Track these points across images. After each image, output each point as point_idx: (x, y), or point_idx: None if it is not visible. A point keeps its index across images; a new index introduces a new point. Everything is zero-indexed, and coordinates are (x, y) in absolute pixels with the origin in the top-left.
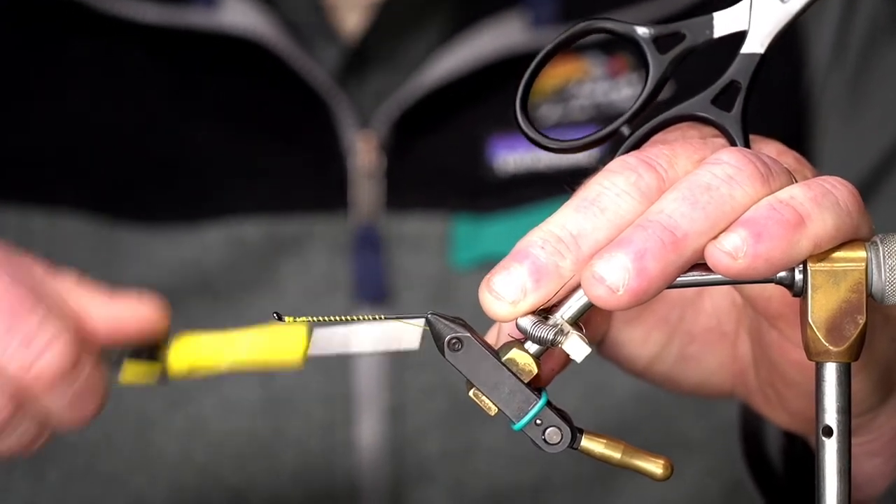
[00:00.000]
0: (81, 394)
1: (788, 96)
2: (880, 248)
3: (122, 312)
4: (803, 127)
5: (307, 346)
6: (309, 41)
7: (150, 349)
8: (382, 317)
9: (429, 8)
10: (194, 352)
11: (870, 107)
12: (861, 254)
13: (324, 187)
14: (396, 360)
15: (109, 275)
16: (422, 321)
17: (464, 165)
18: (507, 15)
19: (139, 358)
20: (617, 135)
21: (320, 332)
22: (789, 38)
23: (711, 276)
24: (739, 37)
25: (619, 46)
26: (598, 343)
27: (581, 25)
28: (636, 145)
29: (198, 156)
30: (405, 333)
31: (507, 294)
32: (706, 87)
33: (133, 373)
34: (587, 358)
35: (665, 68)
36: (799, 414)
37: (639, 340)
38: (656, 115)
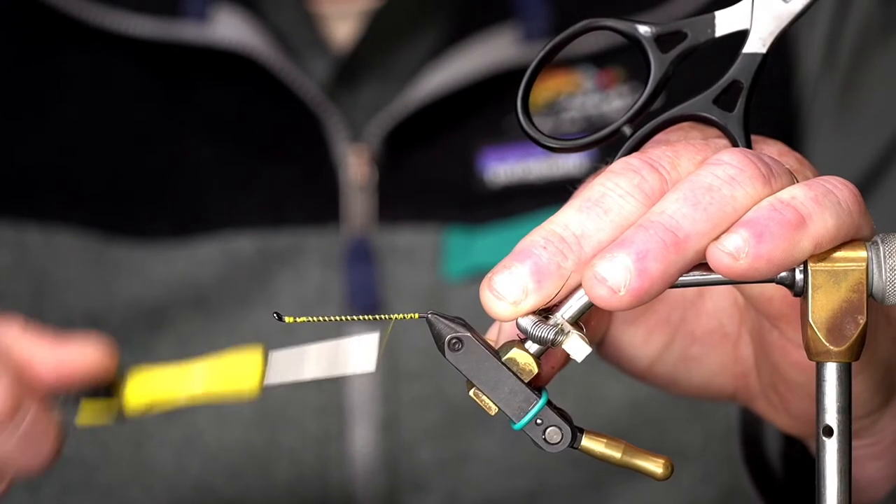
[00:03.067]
0: (30, 437)
1: (779, 101)
2: (881, 248)
3: (68, 356)
4: (794, 132)
5: (263, 374)
6: (299, 53)
7: (105, 388)
8: (381, 316)
9: (419, 20)
10: (150, 387)
11: (860, 112)
12: (862, 253)
13: (316, 200)
14: (389, 372)
15: (103, 290)
16: (375, 336)
17: (455, 177)
18: (498, 29)
19: (94, 397)
20: (617, 135)
21: (276, 357)
22: (781, 43)
23: (713, 276)
24: (741, 36)
25: (610, 59)
26: (598, 344)
27: (584, 23)
28: (637, 145)
29: (190, 170)
30: (358, 355)
31: (509, 294)
32: (705, 87)
33: (90, 413)
34: (580, 365)
35: (666, 68)
36: (801, 416)
37: (639, 341)
38: (657, 115)
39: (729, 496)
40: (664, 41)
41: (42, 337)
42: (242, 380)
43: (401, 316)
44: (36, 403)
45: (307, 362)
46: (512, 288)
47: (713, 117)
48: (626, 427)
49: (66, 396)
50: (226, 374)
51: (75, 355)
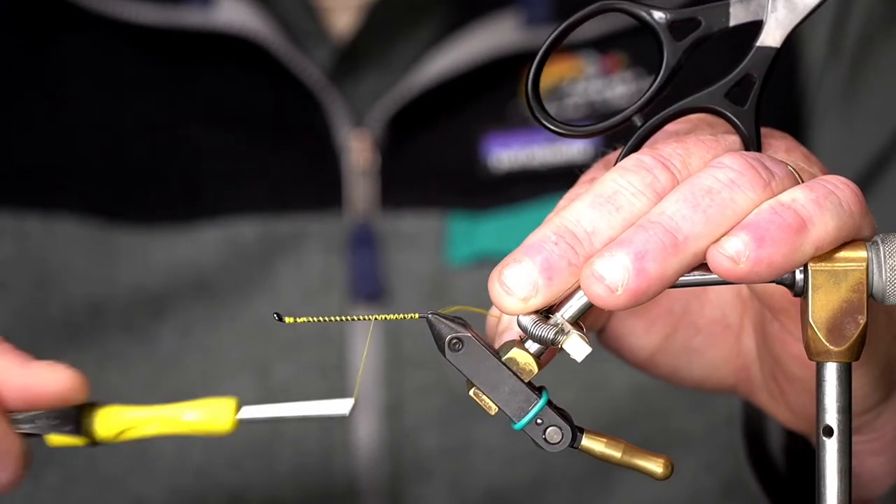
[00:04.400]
0: None
1: (783, 95)
2: (881, 248)
3: (36, 377)
4: (798, 122)
5: (235, 416)
6: (301, 40)
7: (72, 418)
8: (379, 316)
9: (421, 8)
10: (120, 421)
11: (864, 105)
12: (862, 254)
13: (319, 186)
14: (393, 359)
15: (105, 277)
16: (351, 401)
17: (458, 163)
18: (500, 14)
19: (62, 429)
20: (627, 123)
21: (248, 409)
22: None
23: (712, 276)
24: (754, 27)
25: (613, 44)
26: (599, 332)
27: (598, 4)
28: (647, 136)
29: (192, 156)
30: (335, 406)
31: (519, 290)
32: (708, 76)
33: (59, 440)
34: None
35: (679, 56)
36: (800, 411)
37: (641, 331)
38: (667, 105)
39: (731, 485)
40: (677, 28)
41: (12, 356)
42: (216, 419)
43: (401, 316)
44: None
45: (280, 413)
46: (522, 283)
47: (725, 111)
48: (628, 416)
49: (33, 425)
50: (199, 416)
51: (45, 377)
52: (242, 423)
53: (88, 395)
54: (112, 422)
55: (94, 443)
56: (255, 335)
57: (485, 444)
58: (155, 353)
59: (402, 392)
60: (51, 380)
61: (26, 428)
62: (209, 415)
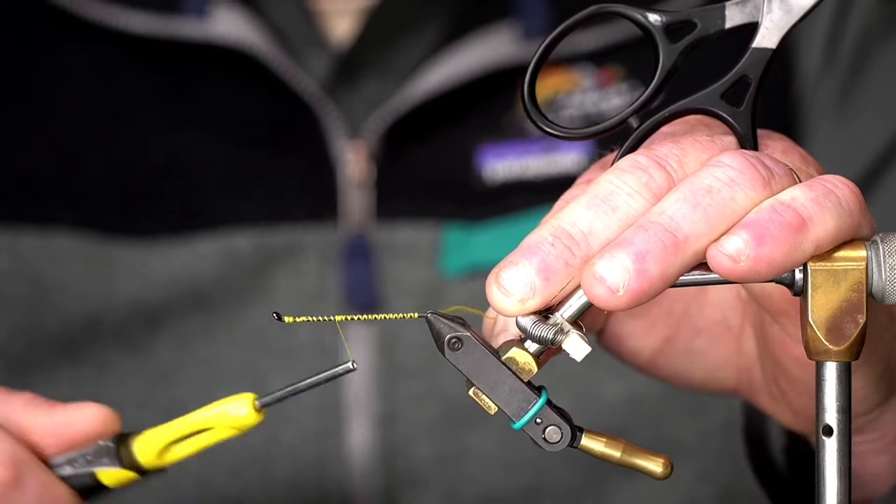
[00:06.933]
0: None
1: (778, 100)
2: (881, 248)
3: (66, 419)
4: (793, 131)
5: (255, 402)
6: (298, 50)
7: (109, 447)
8: (379, 316)
9: (418, 17)
10: (156, 440)
11: (861, 111)
12: (861, 253)
13: (314, 197)
14: (387, 369)
15: (101, 291)
16: (348, 366)
17: (453, 174)
18: (497, 27)
19: (100, 463)
20: (623, 126)
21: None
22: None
23: (712, 276)
24: (750, 29)
25: (609, 57)
26: (599, 333)
27: (593, 8)
28: (643, 138)
29: (188, 168)
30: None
31: (516, 291)
32: (706, 78)
33: (111, 478)
34: (578, 362)
35: (675, 59)
36: (801, 412)
37: (641, 332)
38: (664, 107)
39: (726, 493)
40: (673, 31)
41: (37, 403)
42: (239, 408)
43: (400, 315)
44: (39, 471)
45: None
46: (519, 285)
47: (721, 112)
48: (623, 424)
49: (72, 467)
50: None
51: (72, 417)
52: (264, 406)
53: (120, 426)
54: (148, 442)
55: (143, 472)
56: (251, 346)
57: (479, 452)
58: (152, 365)
59: (396, 401)
60: (79, 418)
61: (66, 471)
62: (232, 408)
